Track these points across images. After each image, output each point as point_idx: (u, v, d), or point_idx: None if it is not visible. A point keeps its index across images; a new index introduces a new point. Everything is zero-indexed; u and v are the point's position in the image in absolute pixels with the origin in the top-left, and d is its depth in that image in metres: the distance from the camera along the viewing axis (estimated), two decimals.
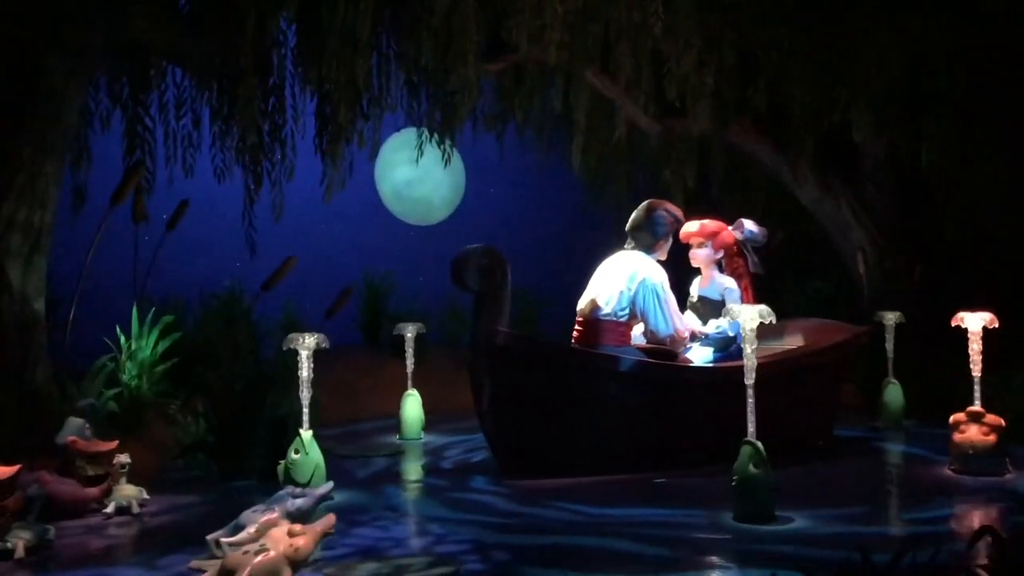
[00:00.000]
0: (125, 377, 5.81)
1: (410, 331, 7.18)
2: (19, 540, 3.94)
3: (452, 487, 5.26)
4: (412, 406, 7.02)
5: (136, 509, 4.67)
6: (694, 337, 6.12)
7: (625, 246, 6.07)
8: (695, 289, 6.57)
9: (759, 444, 4.39)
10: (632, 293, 5.68)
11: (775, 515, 4.35)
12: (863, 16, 7.75)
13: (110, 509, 4.62)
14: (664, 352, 5.80)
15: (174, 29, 6.35)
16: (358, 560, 3.78)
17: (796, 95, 8.06)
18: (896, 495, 5.36)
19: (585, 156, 8.69)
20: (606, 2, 7.69)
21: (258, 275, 8.15)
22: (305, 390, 5.03)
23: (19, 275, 5.41)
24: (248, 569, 3.17)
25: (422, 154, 8.41)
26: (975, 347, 5.48)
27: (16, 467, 4.06)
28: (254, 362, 6.98)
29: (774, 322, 4.61)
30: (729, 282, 6.44)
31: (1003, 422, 5.35)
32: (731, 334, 6.21)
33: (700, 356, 6.14)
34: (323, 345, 5.08)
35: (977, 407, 5.40)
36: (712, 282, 6.49)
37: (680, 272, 6.58)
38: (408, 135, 8.75)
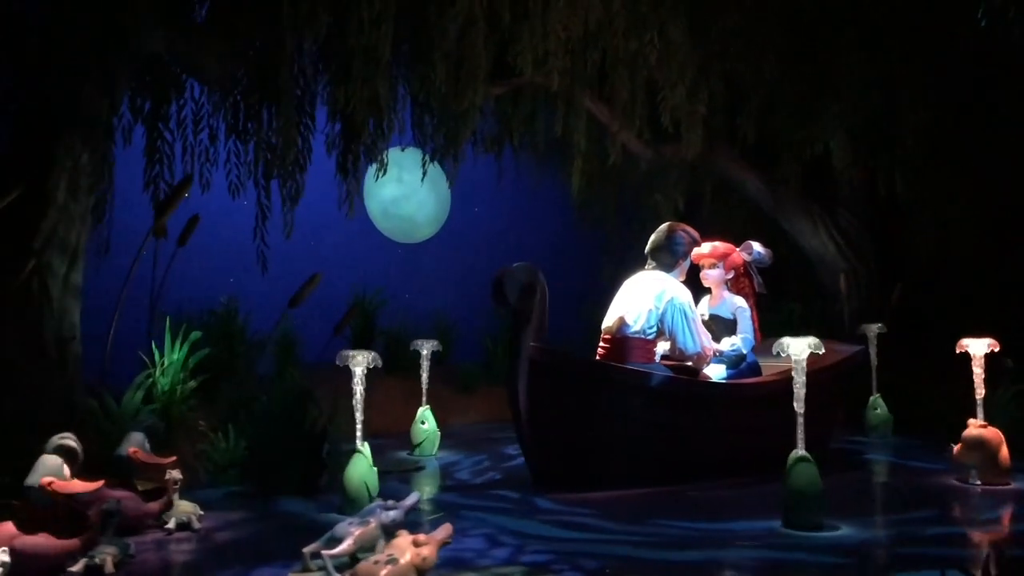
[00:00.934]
0: (157, 392, 5.77)
1: (426, 348, 7.30)
2: (107, 556, 3.93)
3: (501, 500, 5.38)
4: (429, 423, 7.13)
5: (197, 525, 4.68)
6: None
7: (646, 267, 6.32)
8: (705, 308, 6.85)
9: (810, 456, 4.67)
10: (660, 312, 5.93)
11: (823, 523, 4.62)
12: (844, 52, 8.25)
13: (171, 524, 4.62)
14: (688, 369, 6.08)
15: (196, 43, 6.36)
16: (451, 571, 3.89)
17: (781, 125, 8.52)
18: (920, 502, 5.47)
19: (574, 178, 8.94)
20: (605, 31, 7.99)
21: (252, 291, 8.15)
22: (359, 409, 5.09)
23: (59, 291, 5.36)
24: None
25: (425, 174, 8.60)
26: (978, 370, 5.86)
27: (99, 482, 4.05)
28: (277, 378, 6.97)
29: (822, 352, 4.86)
30: (740, 301, 6.75)
31: (1003, 436, 5.76)
32: (744, 351, 6.55)
33: (715, 373, 6.43)
34: (376, 364, 5.15)
35: (981, 421, 5.80)
36: (723, 301, 6.79)
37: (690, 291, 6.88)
38: (395, 154, 8.87)
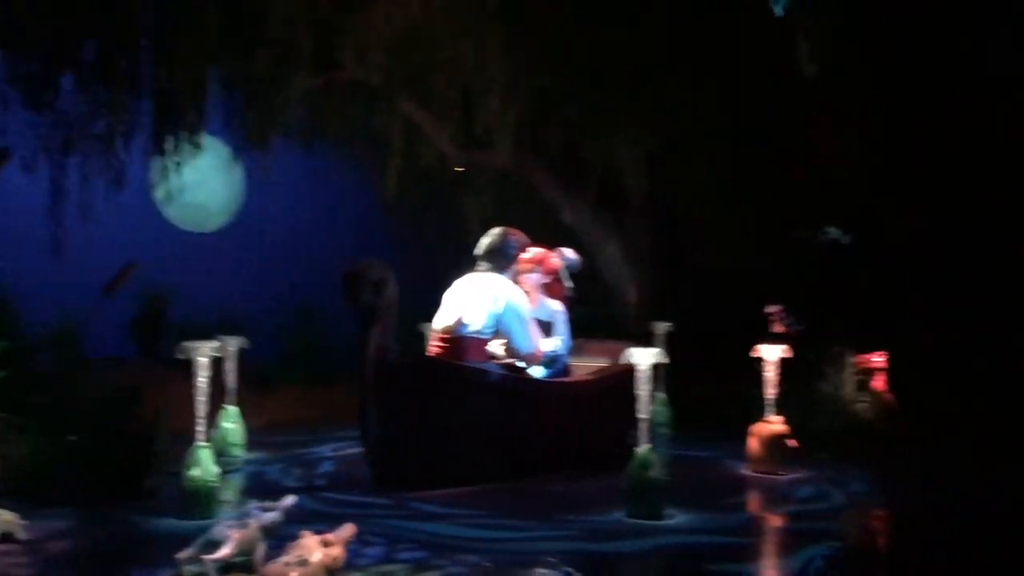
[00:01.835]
0: None
1: (232, 345, 6.97)
2: None
3: (342, 502, 5.26)
4: (235, 423, 6.81)
5: (23, 535, 4.22)
6: None
7: (478, 268, 6.43)
8: None
9: (654, 449, 5.02)
10: (498, 312, 6.09)
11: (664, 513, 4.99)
12: (643, 77, 8.88)
13: None
14: (518, 368, 6.29)
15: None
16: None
17: (583, 139, 9.02)
18: (728, 491, 5.98)
19: (388, 178, 8.94)
20: (426, 33, 8.08)
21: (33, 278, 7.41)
22: (202, 403, 4.82)
23: None
24: None
25: (223, 163, 8.23)
26: (770, 374, 6.51)
27: None
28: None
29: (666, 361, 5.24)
30: (556, 305, 7.05)
31: (789, 430, 6.48)
32: (561, 353, 6.87)
33: (534, 372, 6.70)
34: (220, 355, 4.90)
35: (772, 418, 6.47)
36: (541, 304, 7.05)
37: None
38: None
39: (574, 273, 7.37)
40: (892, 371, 7.39)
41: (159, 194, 9.55)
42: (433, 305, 6.52)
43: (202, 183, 9.75)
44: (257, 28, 6.95)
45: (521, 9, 8.40)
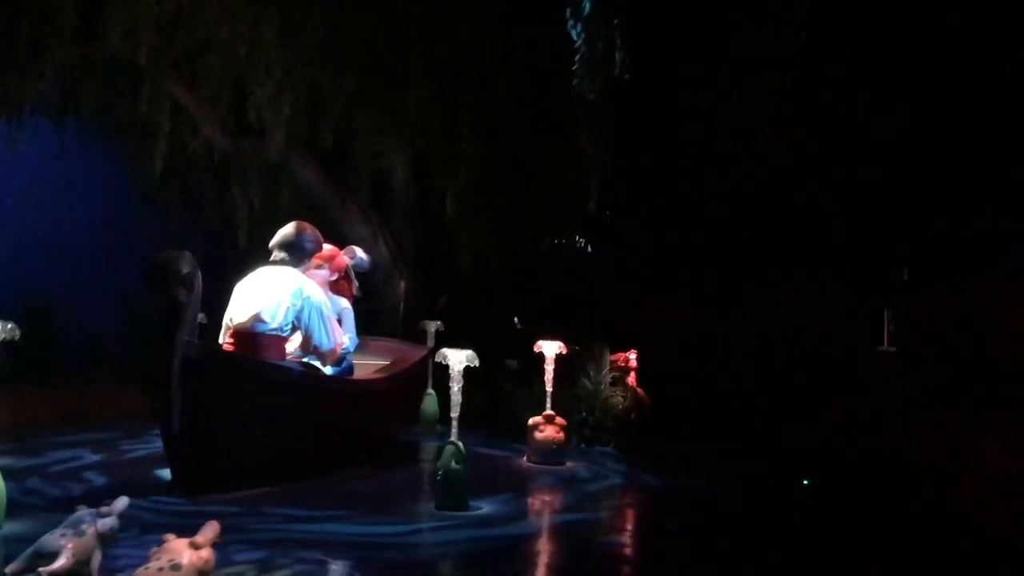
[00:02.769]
0: None
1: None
2: None
3: (150, 506, 4.93)
4: None
5: None
6: None
7: (273, 260, 6.26)
8: None
9: (461, 444, 5.25)
10: (298, 309, 5.98)
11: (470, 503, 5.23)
12: (413, 80, 9.09)
13: None
14: (313, 366, 6.24)
15: None
16: None
17: (354, 137, 9.06)
18: (518, 481, 6.33)
19: (141, 162, 8.41)
20: (199, 15, 7.75)
21: None
22: None
23: None
24: None
25: None
26: (549, 368, 6.99)
27: None
28: None
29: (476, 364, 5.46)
30: (344, 302, 7.05)
31: (564, 423, 6.98)
32: (351, 351, 6.89)
33: (325, 371, 6.67)
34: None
35: (551, 412, 6.93)
36: (331, 301, 7.03)
37: None
38: None
39: (361, 272, 7.41)
40: (642, 368, 8.19)
41: None
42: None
43: None
44: None
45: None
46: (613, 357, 8.24)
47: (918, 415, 5.05)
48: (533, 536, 5.01)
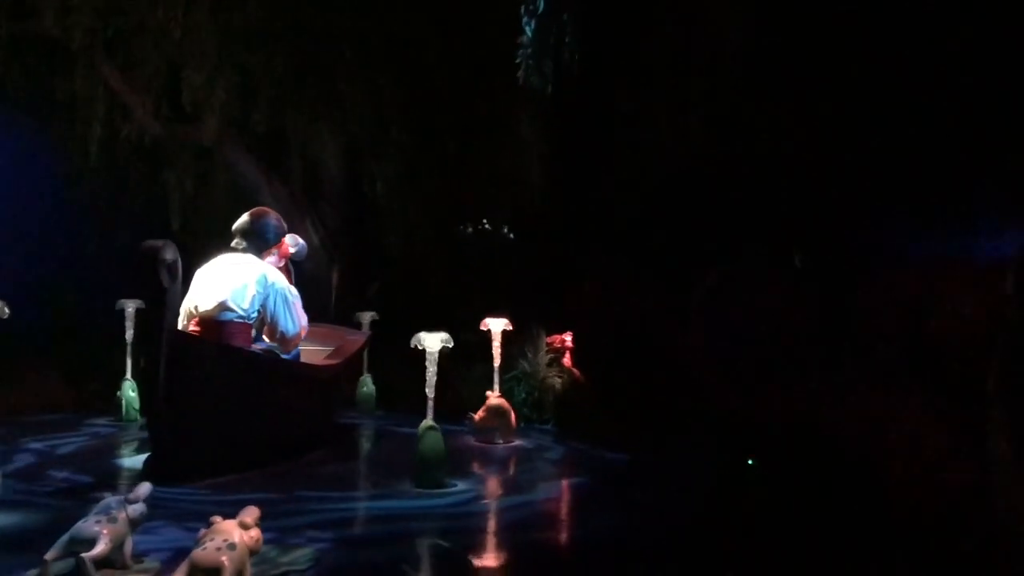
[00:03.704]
0: None
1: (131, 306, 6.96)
2: None
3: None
4: None
5: None
6: None
7: (235, 247, 6.28)
8: None
9: (438, 426, 5.47)
10: (263, 296, 6.04)
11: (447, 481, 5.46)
12: (345, 66, 9.15)
13: None
14: (274, 352, 6.31)
15: None
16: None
17: (286, 124, 9.05)
18: (478, 460, 6.52)
19: (71, 146, 8.20)
20: None
21: None
22: None
23: None
24: (232, 564, 3.19)
25: None
26: (496, 344, 7.22)
27: None
28: None
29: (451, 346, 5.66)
30: (293, 289, 7.13)
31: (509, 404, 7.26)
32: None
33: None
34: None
35: (496, 393, 7.20)
36: None
37: None
38: None
39: (298, 260, 7.46)
40: (577, 349, 8.56)
41: None
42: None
43: None
44: None
45: None
46: (549, 339, 8.60)
47: (855, 395, 5.50)
48: (516, 508, 5.27)
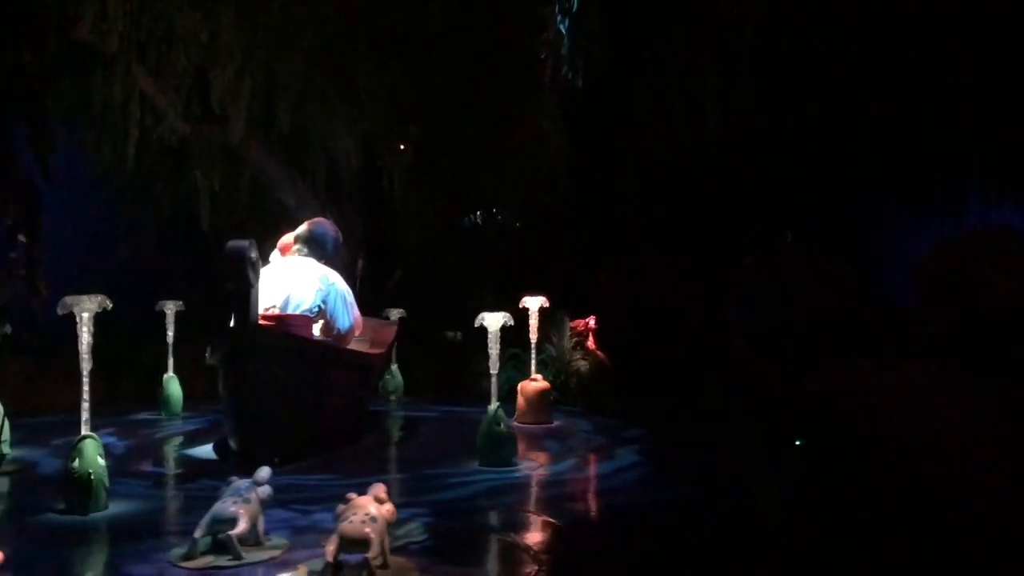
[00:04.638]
0: None
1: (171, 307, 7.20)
2: None
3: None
4: None
5: None
6: None
7: (297, 252, 6.64)
8: None
9: (502, 409, 5.73)
10: (325, 293, 6.36)
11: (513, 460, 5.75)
12: (362, 65, 9.33)
13: None
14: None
15: None
16: (319, 535, 4.01)
17: (308, 123, 9.24)
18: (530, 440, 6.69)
19: (108, 148, 8.35)
20: (162, 3, 7.82)
21: None
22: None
23: None
24: (377, 536, 3.46)
25: None
26: (533, 322, 7.39)
27: None
28: None
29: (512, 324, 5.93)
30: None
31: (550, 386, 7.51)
32: None
33: None
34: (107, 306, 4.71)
35: (536, 376, 7.46)
36: None
37: None
38: None
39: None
40: (601, 332, 8.87)
41: None
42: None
43: None
44: None
45: None
46: (573, 323, 8.90)
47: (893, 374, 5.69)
48: (581, 481, 5.62)
